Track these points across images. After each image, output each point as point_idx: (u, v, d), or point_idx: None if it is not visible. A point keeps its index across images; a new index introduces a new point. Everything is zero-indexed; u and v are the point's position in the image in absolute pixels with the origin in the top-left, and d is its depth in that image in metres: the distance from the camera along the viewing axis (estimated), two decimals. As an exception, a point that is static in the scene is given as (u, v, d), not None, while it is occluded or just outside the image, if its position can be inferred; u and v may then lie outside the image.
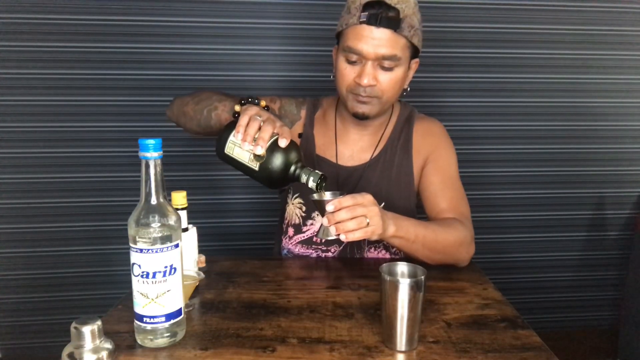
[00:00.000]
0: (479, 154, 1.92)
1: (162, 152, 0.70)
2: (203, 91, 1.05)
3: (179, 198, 0.88)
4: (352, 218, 0.82)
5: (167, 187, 0.73)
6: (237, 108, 0.94)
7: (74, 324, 0.62)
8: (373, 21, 0.94)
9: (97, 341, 0.63)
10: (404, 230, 0.92)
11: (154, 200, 0.70)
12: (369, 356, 0.72)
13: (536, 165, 1.98)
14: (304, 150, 1.16)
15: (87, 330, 0.62)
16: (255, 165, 0.85)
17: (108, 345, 0.64)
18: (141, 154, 0.69)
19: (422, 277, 0.72)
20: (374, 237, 0.86)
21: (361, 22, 0.96)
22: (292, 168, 0.85)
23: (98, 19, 1.70)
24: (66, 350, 0.63)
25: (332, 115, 1.18)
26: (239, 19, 1.76)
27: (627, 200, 2.04)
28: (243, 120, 0.84)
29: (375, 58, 0.97)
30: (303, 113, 1.18)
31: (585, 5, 1.85)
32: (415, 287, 0.71)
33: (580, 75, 1.92)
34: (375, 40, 0.95)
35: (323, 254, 1.13)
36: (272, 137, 0.84)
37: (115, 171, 1.81)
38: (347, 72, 1.01)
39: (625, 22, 1.88)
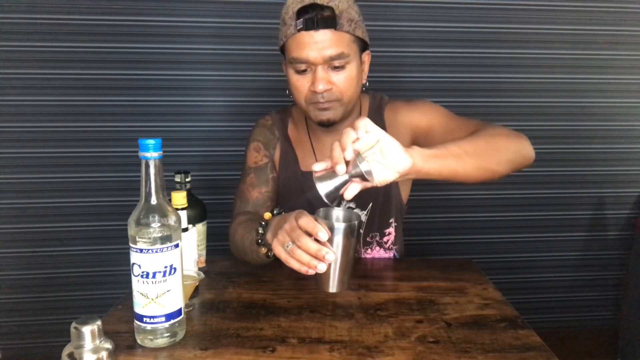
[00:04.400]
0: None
1: (162, 152, 0.70)
2: (240, 226, 1.00)
3: (179, 198, 0.88)
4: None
5: (167, 187, 0.73)
6: (263, 251, 0.90)
7: (74, 324, 0.62)
8: (310, 25, 0.92)
9: (97, 341, 0.63)
10: (437, 150, 0.78)
11: (154, 200, 0.70)
12: (369, 356, 0.72)
13: (536, 165, 1.95)
14: (289, 169, 1.13)
15: (87, 330, 0.62)
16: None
17: (108, 345, 0.64)
18: (141, 154, 0.69)
19: (356, 222, 0.74)
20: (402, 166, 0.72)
21: (299, 30, 0.93)
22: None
23: (98, 19, 1.70)
24: (66, 350, 0.63)
25: (305, 129, 1.15)
26: (239, 19, 1.76)
27: (627, 200, 2.04)
28: (292, 264, 0.76)
29: (324, 61, 0.94)
30: (277, 132, 1.16)
31: (585, 5, 1.85)
32: (349, 232, 0.72)
33: (580, 75, 1.92)
34: (318, 43, 0.93)
35: None
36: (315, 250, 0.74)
37: (115, 171, 1.81)
38: (300, 84, 0.98)
39: (625, 22, 1.88)
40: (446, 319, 0.83)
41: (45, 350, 1.89)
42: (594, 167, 2.00)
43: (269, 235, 0.85)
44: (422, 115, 1.09)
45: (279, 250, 0.78)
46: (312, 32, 0.93)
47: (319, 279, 0.76)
